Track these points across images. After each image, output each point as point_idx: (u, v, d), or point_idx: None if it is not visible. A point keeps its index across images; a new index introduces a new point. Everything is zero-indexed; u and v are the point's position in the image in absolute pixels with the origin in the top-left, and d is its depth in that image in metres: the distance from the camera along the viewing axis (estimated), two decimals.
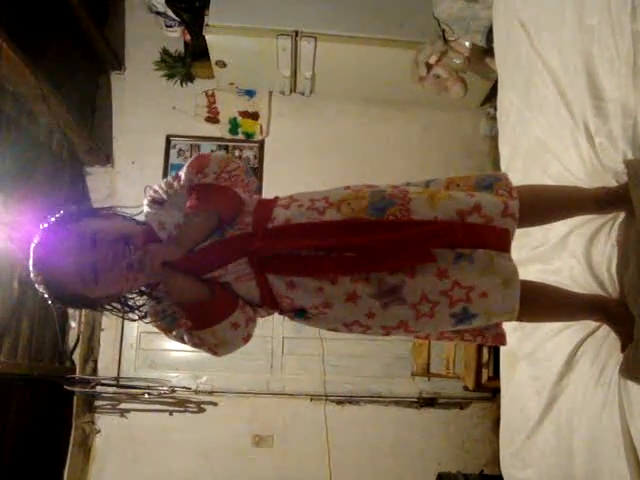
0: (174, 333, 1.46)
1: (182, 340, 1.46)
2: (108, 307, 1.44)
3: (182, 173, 1.45)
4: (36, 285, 1.35)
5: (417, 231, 1.34)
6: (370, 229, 1.36)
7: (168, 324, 1.46)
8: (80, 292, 1.35)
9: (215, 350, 1.44)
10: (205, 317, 1.39)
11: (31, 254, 1.34)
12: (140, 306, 1.48)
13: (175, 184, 1.45)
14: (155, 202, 1.48)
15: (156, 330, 1.49)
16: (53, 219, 1.39)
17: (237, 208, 1.43)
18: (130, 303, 1.47)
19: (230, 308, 1.39)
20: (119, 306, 1.45)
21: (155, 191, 1.48)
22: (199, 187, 1.42)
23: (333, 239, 1.35)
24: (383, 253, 1.34)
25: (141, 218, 1.49)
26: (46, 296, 1.36)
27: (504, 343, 1.60)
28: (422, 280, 1.35)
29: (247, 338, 1.45)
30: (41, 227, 1.37)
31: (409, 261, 1.34)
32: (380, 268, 1.35)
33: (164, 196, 1.47)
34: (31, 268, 1.34)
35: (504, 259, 1.38)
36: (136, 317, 1.48)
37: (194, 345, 1.44)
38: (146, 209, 1.48)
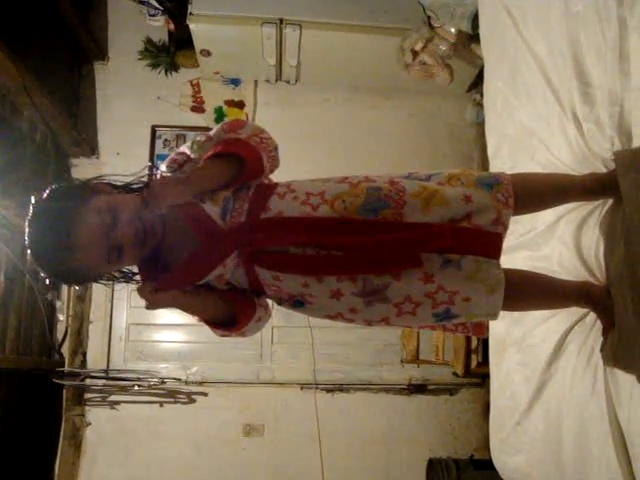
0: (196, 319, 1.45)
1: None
2: (116, 278, 1.43)
3: (213, 131, 1.41)
4: (39, 267, 1.27)
5: (406, 235, 1.34)
6: (361, 229, 1.35)
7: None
8: (94, 270, 1.32)
9: (243, 336, 1.48)
10: (230, 326, 1.42)
11: (38, 237, 1.26)
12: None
13: (204, 141, 1.40)
14: (176, 162, 1.40)
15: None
16: (54, 200, 1.30)
17: (258, 170, 1.40)
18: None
19: (251, 311, 1.42)
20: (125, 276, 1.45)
21: (180, 153, 1.41)
22: (227, 139, 1.38)
23: (321, 237, 1.34)
24: (371, 255, 1.35)
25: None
26: (49, 277, 1.29)
27: (484, 335, 1.63)
28: (407, 283, 1.36)
29: (269, 319, 1.50)
30: (41, 209, 1.28)
31: (396, 266, 1.35)
32: (367, 271, 1.36)
33: (190, 154, 1.39)
34: (39, 252, 1.26)
35: (492, 267, 1.39)
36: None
37: (220, 335, 1.47)
38: (166, 171, 1.41)
